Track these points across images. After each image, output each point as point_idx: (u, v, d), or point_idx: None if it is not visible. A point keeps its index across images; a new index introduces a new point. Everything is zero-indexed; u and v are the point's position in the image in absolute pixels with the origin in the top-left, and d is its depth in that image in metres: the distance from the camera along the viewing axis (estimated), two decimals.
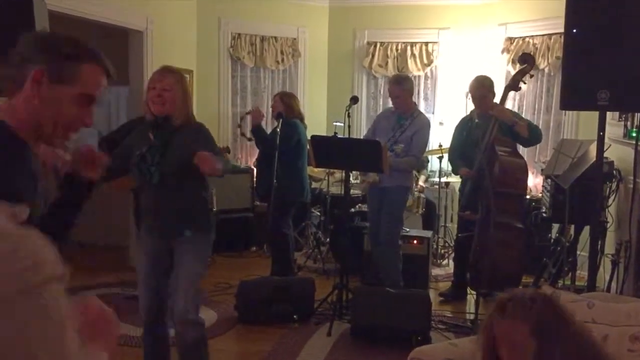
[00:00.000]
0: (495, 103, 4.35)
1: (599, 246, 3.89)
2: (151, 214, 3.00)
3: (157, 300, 3.01)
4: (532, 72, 4.48)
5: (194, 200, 2.97)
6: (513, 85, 4.38)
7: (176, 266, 2.94)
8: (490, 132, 4.36)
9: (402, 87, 4.68)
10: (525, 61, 4.37)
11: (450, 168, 5.44)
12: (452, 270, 5.31)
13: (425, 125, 4.75)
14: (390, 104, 5.13)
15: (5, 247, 0.73)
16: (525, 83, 4.45)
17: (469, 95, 4.92)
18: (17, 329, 0.71)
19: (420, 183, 6.09)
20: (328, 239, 5.94)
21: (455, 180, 6.09)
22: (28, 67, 1.38)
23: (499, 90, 4.81)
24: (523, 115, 5.87)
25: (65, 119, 1.42)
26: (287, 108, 5.08)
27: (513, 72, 5.00)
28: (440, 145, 6.13)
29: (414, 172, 5.42)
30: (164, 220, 2.93)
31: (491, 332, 1.79)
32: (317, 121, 6.75)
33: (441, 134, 6.44)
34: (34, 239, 0.77)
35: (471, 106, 5.16)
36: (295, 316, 4.36)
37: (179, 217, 2.93)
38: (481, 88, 4.70)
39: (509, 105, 5.09)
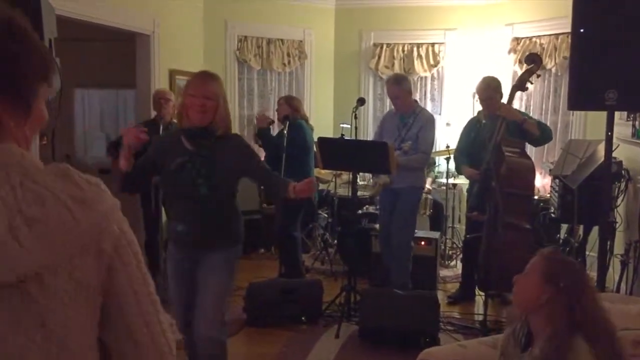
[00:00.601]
0: (503, 103, 4.33)
1: (607, 247, 3.87)
2: (186, 224, 2.83)
3: (190, 315, 2.85)
4: (539, 72, 4.46)
5: (232, 213, 2.91)
6: (520, 85, 4.37)
7: (205, 278, 2.81)
8: (497, 133, 4.35)
9: (401, 87, 4.68)
10: (532, 61, 4.35)
11: (455, 168, 5.43)
12: (460, 272, 5.30)
13: (430, 119, 4.74)
14: None
15: None
16: (532, 83, 4.43)
17: (476, 96, 4.91)
18: None
19: (427, 186, 6.08)
20: (336, 241, 5.94)
21: (462, 181, 6.07)
22: None
23: (506, 90, 4.80)
24: (530, 114, 5.85)
25: None
26: (294, 110, 5.09)
27: (520, 73, 4.98)
28: (448, 146, 6.12)
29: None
30: (202, 231, 2.81)
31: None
32: (323, 123, 6.75)
33: (448, 135, 6.43)
34: None
35: (478, 107, 5.15)
36: (303, 318, 4.36)
37: (218, 229, 2.83)
38: (488, 89, 4.69)
39: (515, 105, 5.07)
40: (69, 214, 0.93)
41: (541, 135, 4.49)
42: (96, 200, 0.98)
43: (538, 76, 4.49)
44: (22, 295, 0.91)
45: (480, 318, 4.18)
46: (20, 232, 0.89)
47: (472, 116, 5.25)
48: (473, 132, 4.83)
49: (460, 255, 5.91)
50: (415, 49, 6.86)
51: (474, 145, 4.76)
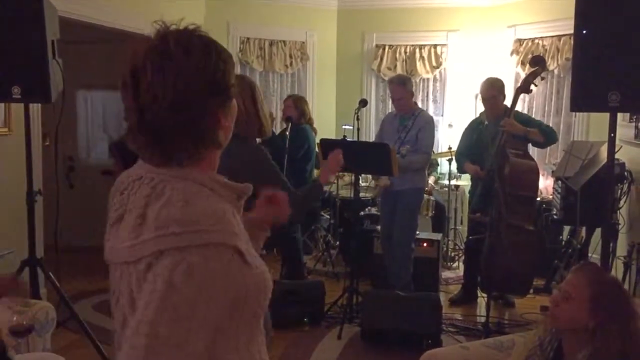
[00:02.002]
0: (506, 119, 4.32)
1: (610, 248, 3.86)
2: None
3: None
4: (543, 75, 4.47)
5: None
6: (524, 87, 4.37)
7: None
8: (500, 134, 4.34)
9: (406, 88, 4.70)
10: (537, 63, 4.35)
11: (457, 169, 5.43)
12: (462, 273, 5.29)
13: (429, 121, 4.75)
14: None
15: None
16: (536, 85, 4.43)
17: (479, 96, 4.91)
18: None
19: (430, 183, 6.07)
20: (338, 242, 5.94)
21: (465, 182, 6.07)
22: None
23: (508, 92, 4.80)
24: (532, 115, 5.86)
25: None
26: (300, 113, 5.09)
27: (522, 74, 4.99)
28: (450, 148, 6.12)
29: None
30: None
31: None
32: (326, 124, 6.76)
33: (450, 137, 6.42)
34: None
35: (480, 108, 5.15)
36: (305, 319, 4.36)
37: None
38: (491, 89, 4.69)
39: (518, 107, 5.07)
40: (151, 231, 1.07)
41: (545, 140, 4.50)
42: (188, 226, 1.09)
43: (542, 78, 4.48)
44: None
45: (483, 320, 4.17)
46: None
47: (474, 117, 5.25)
48: (475, 134, 4.83)
49: (463, 257, 5.91)
50: (417, 50, 6.86)
51: (476, 147, 4.75)
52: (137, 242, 1.05)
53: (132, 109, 1.11)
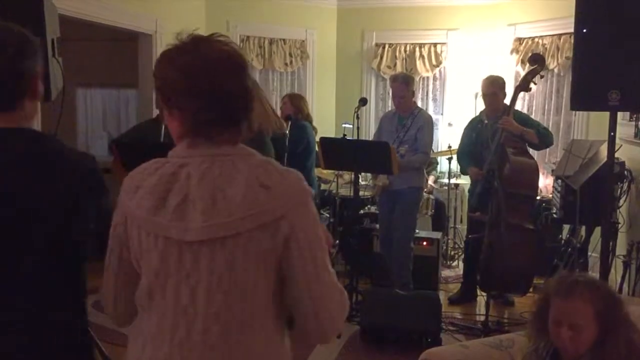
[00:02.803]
0: (505, 117, 4.33)
1: (610, 247, 3.86)
2: None
3: None
4: (542, 73, 4.46)
5: None
6: (523, 85, 4.37)
7: None
8: (500, 132, 4.35)
9: (409, 87, 4.71)
10: (536, 61, 4.35)
11: (459, 169, 5.43)
12: (462, 272, 5.29)
13: (428, 120, 4.76)
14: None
15: None
16: (535, 84, 4.43)
17: (480, 93, 4.90)
18: None
19: (430, 183, 6.07)
20: (337, 241, 5.93)
21: (464, 181, 6.07)
22: None
23: (508, 90, 4.79)
24: (533, 116, 5.85)
25: None
26: (297, 110, 5.08)
27: (522, 73, 4.99)
28: (450, 147, 6.12)
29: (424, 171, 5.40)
30: None
31: (546, 310, 1.84)
32: (325, 123, 6.75)
33: (450, 135, 6.42)
34: None
35: (480, 107, 5.15)
36: None
37: None
38: (492, 86, 4.70)
39: (518, 105, 5.07)
40: (268, 194, 1.26)
41: (540, 142, 4.52)
42: (289, 188, 1.31)
43: (541, 77, 4.49)
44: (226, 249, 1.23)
45: (482, 319, 4.17)
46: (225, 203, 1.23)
47: (473, 116, 5.25)
48: (474, 132, 4.83)
49: (462, 256, 5.91)
50: (417, 49, 6.85)
51: (476, 145, 4.76)
52: (242, 216, 1.22)
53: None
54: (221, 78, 1.27)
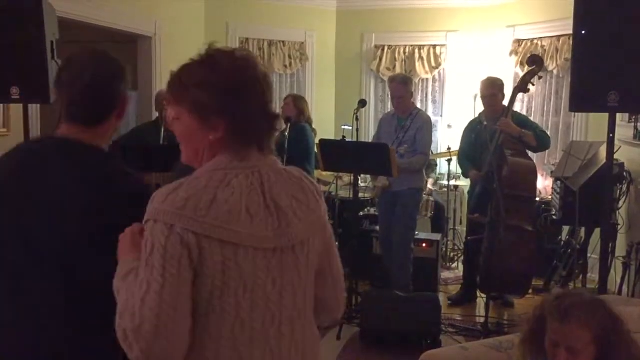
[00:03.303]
0: (503, 119, 4.33)
1: (609, 249, 3.86)
2: None
3: None
4: (540, 74, 4.47)
5: None
6: (522, 86, 4.38)
7: None
8: (499, 134, 4.35)
9: (407, 88, 4.72)
10: (534, 63, 4.36)
11: (459, 170, 5.43)
12: (461, 274, 5.29)
13: (427, 121, 4.77)
14: None
15: None
16: (534, 85, 4.43)
17: (479, 95, 4.91)
18: None
19: (429, 186, 6.07)
20: (337, 243, 5.93)
21: (464, 183, 6.07)
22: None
23: (507, 92, 4.80)
24: (532, 118, 5.86)
25: None
26: (299, 112, 5.09)
27: (521, 74, 4.98)
28: (449, 148, 6.12)
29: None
30: None
31: (541, 329, 1.79)
32: (325, 125, 6.75)
33: (449, 137, 6.42)
34: None
35: (479, 109, 5.15)
36: None
37: None
38: (492, 88, 4.72)
39: (517, 107, 5.08)
40: (316, 199, 1.42)
41: (538, 145, 4.53)
42: (321, 194, 1.47)
43: (540, 78, 4.50)
44: (292, 257, 1.36)
45: (482, 320, 4.17)
46: (295, 207, 1.36)
47: (473, 118, 5.26)
48: (474, 134, 4.84)
49: (462, 257, 5.91)
50: (416, 50, 6.85)
51: (476, 147, 4.76)
52: (310, 221, 1.39)
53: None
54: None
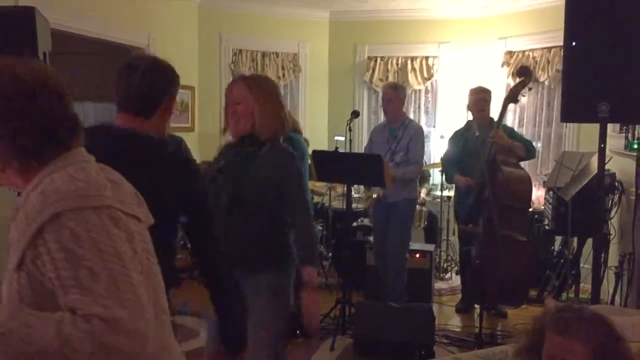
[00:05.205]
0: (496, 130, 4.37)
1: (602, 258, 3.87)
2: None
3: None
4: (530, 85, 4.51)
5: (266, 230, 2.46)
6: (512, 97, 4.40)
7: (251, 304, 2.26)
8: (491, 144, 4.37)
9: (397, 92, 4.76)
10: (523, 74, 4.40)
11: (444, 178, 5.45)
12: (455, 284, 5.29)
13: (419, 131, 4.80)
14: None
15: None
16: (524, 96, 4.47)
17: (468, 101, 4.93)
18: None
19: (422, 196, 6.08)
20: (330, 254, 5.93)
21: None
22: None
23: (499, 102, 4.83)
24: (524, 128, 5.91)
25: None
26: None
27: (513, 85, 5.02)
28: (442, 159, 6.13)
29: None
30: (233, 250, 2.27)
31: (539, 342, 1.78)
32: (318, 135, 6.77)
33: (442, 148, 6.43)
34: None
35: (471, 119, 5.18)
36: (298, 332, 4.33)
37: (250, 248, 2.44)
38: (482, 92, 4.83)
39: (509, 117, 5.11)
40: None
41: (526, 156, 4.61)
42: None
43: (530, 89, 4.54)
44: None
45: (476, 331, 4.17)
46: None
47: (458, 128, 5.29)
48: (461, 142, 4.87)
49: (456, 268, 5.92)
50: (409, 62, 6.89)
51: (464, 155, 4.79)
52: None
53: None
54: None
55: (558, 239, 5.30)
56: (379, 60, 7.00)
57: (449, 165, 4.98)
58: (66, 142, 1.24)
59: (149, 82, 1.96)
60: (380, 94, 7.03)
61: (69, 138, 1.25)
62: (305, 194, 2.58)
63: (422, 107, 7.02)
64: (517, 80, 4.49)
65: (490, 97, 4.83)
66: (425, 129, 5.41)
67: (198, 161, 5.42)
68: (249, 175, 2.43)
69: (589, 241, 4.33)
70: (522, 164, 4.66)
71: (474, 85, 4.99)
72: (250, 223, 2.44)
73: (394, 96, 4.74)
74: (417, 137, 4.72)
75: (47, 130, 1.21)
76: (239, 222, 2.43)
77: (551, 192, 4.78)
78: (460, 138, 4.92)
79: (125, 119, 1.93)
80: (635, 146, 3.85)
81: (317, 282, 2.44)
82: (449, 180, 5.16)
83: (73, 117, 1.28)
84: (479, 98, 4.78)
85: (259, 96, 2.44)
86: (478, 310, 4.17)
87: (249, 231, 2.44)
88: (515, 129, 5.49)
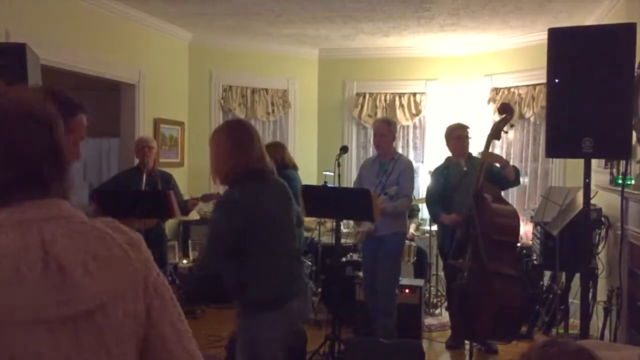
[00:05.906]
0: (486, 151, 4.42)
1: (590, 293, 3.87)
2: None
3: None
4: (512, 122, 4.58)
5: (236, 275, 2.63)
6: (494, 134, 4.45)
7: None
8: (477, 179, 4.39)
9: (389, 127, 4.82)
10: (505, 111, 4.46)
11: (429, 217, 5.48)
12: (445, 320, 5.25)
13: (409, 165, 4.86)
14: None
15: None
16: (506, 132, 4.53)
17: (451, 137, 4.98)
18: None
19: (412, 231, 6.08)
20: (320, 289, 5.89)
21: None
22: None
23: (482, 139, 4.89)
24: (511, 163, 5.94)
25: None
26: (277, 160, 5.10)
27: None
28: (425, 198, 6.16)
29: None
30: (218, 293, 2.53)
31: None
32: (307, 170, 6.79)
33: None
34: None
35: None
36: None
37: (227, 292, 2.75)
38: (465, 129, 4.89)
39: (496, 152, 5.16)
40: (125, 253, 1.10)
41: (515, 179, 4.66)
42: (141, 244, 1.16)
43: (512, 125, 4.60)
44: (92, 326, 1.04)
45: None
46: (89, 265, 1.04)
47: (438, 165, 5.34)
48: (442, 178, 4.92)
49: (445, 303, 5.88)
50: (397, 98, 6.98)
51: (445, 190, 4.83)
52: (112, 278, 1.16)
53: None
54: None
55: (547, 274, 5.30)
56: (367, 96, 7.09)
57: (433, 204, 5.00)
58: None
59: None
60: (370, 130, 7.14)
61: None
62: (215, 245, 2.64)
63: (411, 143, 7.09)
64: (500, 117, 4.56)
65: (468, 132, 4.93)
66: (414, 164, 5.45)
67: (186, 197, 5.38)
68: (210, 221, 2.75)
69: (578, 276, 4.34)
70: (509, 199, 4.70)
71: (452, 122, 5.09)
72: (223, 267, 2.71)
73: (387, 131, 4.79)
74: (408, 171, 4.75)
75: None
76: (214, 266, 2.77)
77: (539, 227, 4.80)
78: (440, 175, 4.98)
79: None
80: (620, 181, 3.89)
81: None
82: (435, 220, 5.18)
83: None
84: (464, 135, 4.90)
85: (210, 145, 2.66)
86: (468, 347, 4.13)
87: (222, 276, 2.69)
88: None
